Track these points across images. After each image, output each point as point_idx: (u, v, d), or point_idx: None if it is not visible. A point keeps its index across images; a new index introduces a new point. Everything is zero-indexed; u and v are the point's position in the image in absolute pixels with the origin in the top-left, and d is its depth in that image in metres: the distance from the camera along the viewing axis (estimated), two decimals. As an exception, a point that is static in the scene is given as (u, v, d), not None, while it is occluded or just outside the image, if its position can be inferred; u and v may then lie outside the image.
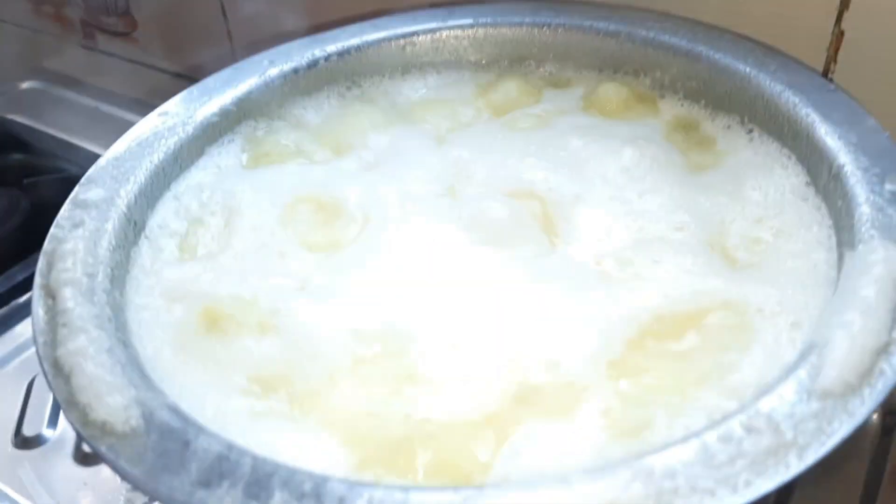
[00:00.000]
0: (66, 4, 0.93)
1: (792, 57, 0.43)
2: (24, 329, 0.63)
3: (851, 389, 0.26)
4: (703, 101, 0.45)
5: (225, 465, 0.26)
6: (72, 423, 0.28)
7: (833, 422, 0.25)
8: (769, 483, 0.24)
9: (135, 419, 0.27)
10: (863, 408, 0.26)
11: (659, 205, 0.40)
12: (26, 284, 0.66)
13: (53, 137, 0.87)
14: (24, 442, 0.54)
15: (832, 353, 0.27)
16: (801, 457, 0.24)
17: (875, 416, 0.52)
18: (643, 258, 0.37)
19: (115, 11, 0.89)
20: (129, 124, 0.87)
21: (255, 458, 0.26)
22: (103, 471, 0.52)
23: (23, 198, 0.75)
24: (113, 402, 0.28)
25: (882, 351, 0.27)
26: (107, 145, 0.80)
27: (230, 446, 0.27)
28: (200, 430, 0.27)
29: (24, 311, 0.65)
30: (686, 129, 0.45)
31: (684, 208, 0.39)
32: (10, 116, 0.91)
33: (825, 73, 0.49)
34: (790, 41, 0.49)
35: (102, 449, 0.27)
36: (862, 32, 0.47)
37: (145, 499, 0.50)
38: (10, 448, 0.53)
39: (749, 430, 0.25)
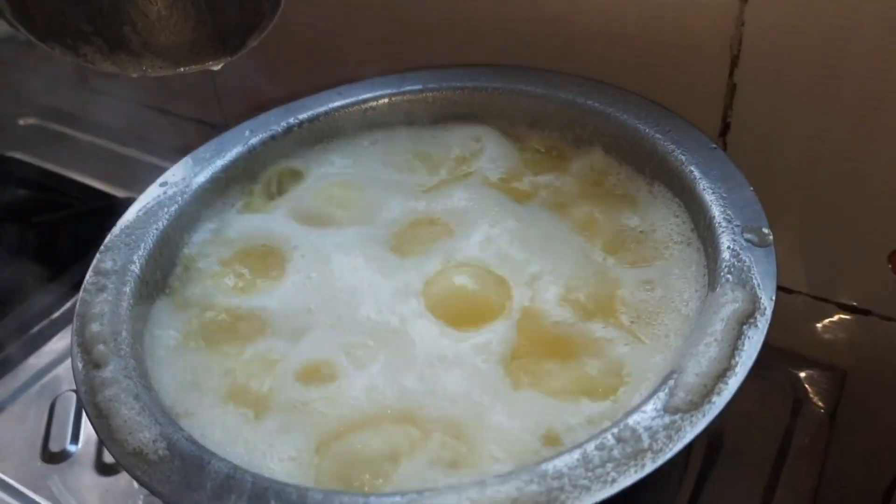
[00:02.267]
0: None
1: (684, 119, 0.51)
2: (44, 354, 0.70)
3: (695, 406, 0.35)
4: (613, 154, 0.54)
5: (232, 483, 0.35)
6: (113, 455, 0.37)
7: (680, 431, 0.34)
8: (629, 480, 0.33)
9: (161, 450, 0.36)
10: (703, 420, 0.34)
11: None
12: (44, 313, 0.73)
13: (54, 173, 0.93)
14: (51, 456, 0.61)
15: (684, 378, 0.36)
16: (655, 460, 0.33)
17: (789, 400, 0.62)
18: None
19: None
20: (124, 158, 0.94)
21: (254, 476, 0.35)
22: (122, 479, 0.60)
23: (31, 233, 0.83)
24: (143, 437, 0.37)
25: (722, 375, 0.36)
26: (105, 178, 0.86)
27: (235, 467, 0.35)
28: (212, 455, 0.36)
29: (44, 337, 0.72)
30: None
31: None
32: (10, 154, 0.97)
33: (723, 119, 0.58)
34: (692, 94, 0.57)
35: (138, 474, 0.36)
36: (750, 84, 0.55)
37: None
38: (39, 462, 0.61)
39: (619, 439, 0.34)
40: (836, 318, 0.62)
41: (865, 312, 0.61)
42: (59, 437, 0.63)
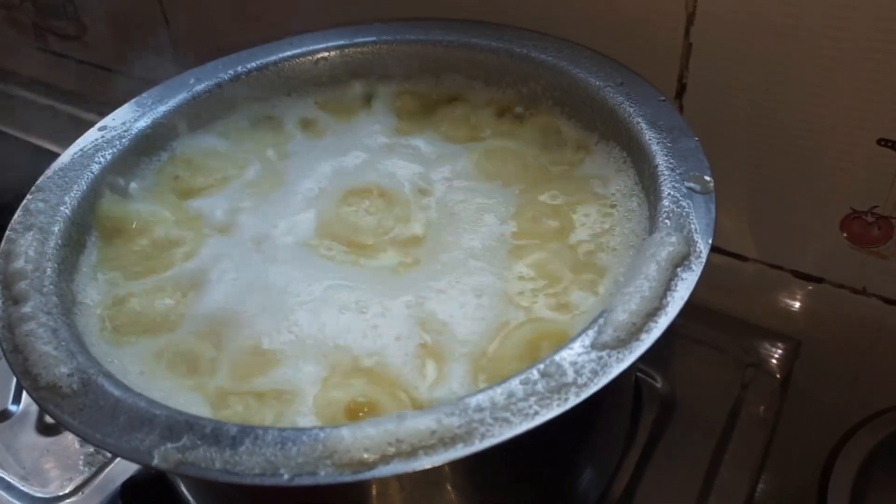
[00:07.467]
0: (18, 8, 0.98)
1: (637, 73, 0.50)
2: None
3: (623, 344, 0.34)
4: (566, 108, 0.53)
5: (146, 416, 0.34)
6: (26, 389, 0.35)
7: (606, 367, 0.33)
8: (552, 413, 0.32)
9: (76, 384, 0.35)
10: (630, 356, 0.34)
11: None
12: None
13: (9, 136, 0.93)
14: (-9, 417, 0.60)
15: (614, 316, 0.35)
16: (578, 394, 0.33)
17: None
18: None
19: (65, 16, 0.94)
20: (81, 121, 0.93)
21: (168, 410, 0.34)
22: (63, 439, 0.59)
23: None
24: (58, 372, 0.35)
25: (652, 314, 0.35)
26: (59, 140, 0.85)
27: (150, 401, 0.34)
28: (127, 390, 0.35)
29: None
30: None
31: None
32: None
33: (679, 80, 0.57)
34: (649, 54, 0.56)
35: (50, 407, 0.34)
36: (706, 43, 0.54)
37: (103, 461, 0.57)
38: (-21, 423, 0.60)
39: (543, 374, 0.33)
40: (789, 285, 0.62)
41: (819, 280, 0.60)
42: (0, 398, 0.62)
